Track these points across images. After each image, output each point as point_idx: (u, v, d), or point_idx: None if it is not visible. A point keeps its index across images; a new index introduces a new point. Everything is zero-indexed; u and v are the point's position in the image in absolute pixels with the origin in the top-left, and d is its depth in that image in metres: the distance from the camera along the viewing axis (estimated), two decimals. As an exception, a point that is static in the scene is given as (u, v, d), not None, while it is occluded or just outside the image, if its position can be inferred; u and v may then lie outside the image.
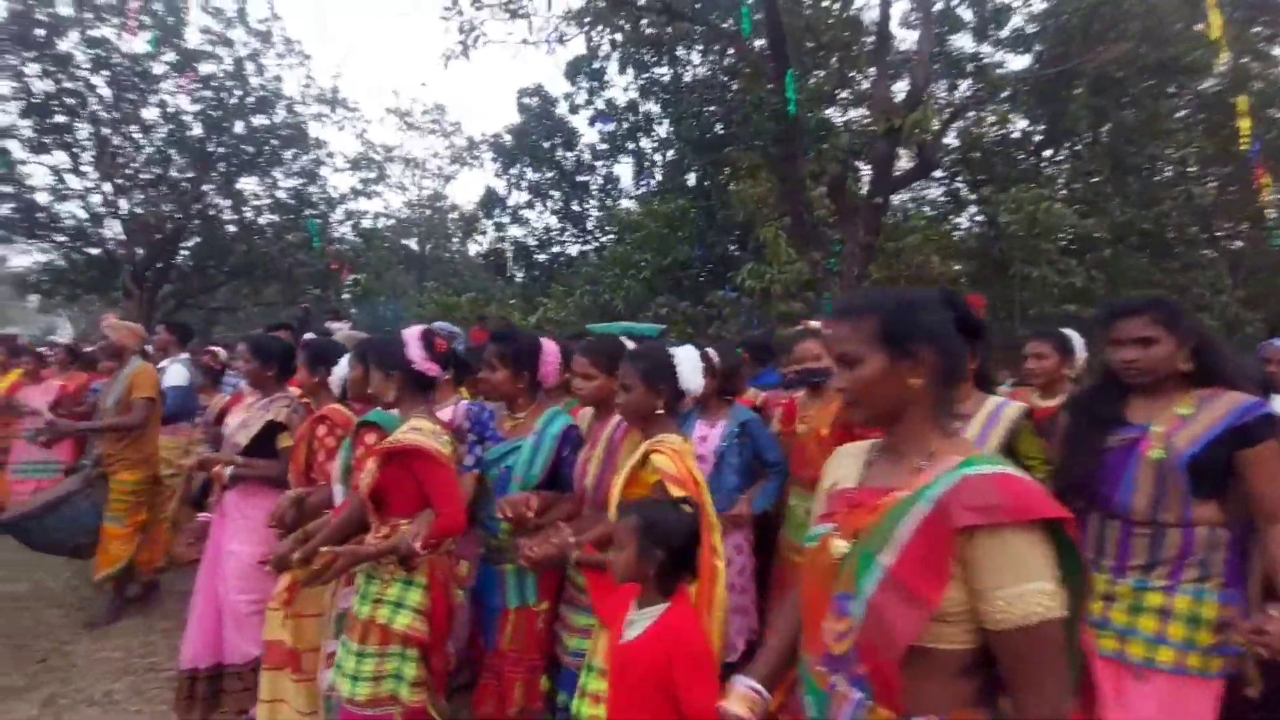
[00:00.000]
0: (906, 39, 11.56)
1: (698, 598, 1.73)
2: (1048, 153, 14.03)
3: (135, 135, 13.31)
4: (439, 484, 2.10)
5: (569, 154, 18.52)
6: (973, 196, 14.51)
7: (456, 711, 2.41)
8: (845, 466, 1.30)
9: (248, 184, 14.80)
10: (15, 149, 12.48)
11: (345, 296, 16.00)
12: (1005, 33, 13.45)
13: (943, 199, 15.03)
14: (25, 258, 14.38)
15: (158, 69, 13.03)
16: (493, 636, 2.33)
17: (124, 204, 13.44)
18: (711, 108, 15.07)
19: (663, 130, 17.78)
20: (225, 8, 13.35)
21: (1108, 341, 1.90)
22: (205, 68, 13.28)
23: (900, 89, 8.89)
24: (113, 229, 13.54)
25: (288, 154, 14.81)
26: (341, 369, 2.77)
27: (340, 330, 5.09)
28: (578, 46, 13.60)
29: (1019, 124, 12.79)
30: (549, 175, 18.64)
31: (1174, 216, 11.30)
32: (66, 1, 11.96)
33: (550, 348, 2.49)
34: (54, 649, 3.55)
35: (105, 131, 12.95)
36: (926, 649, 1.03)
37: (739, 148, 10.56)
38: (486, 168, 24.90)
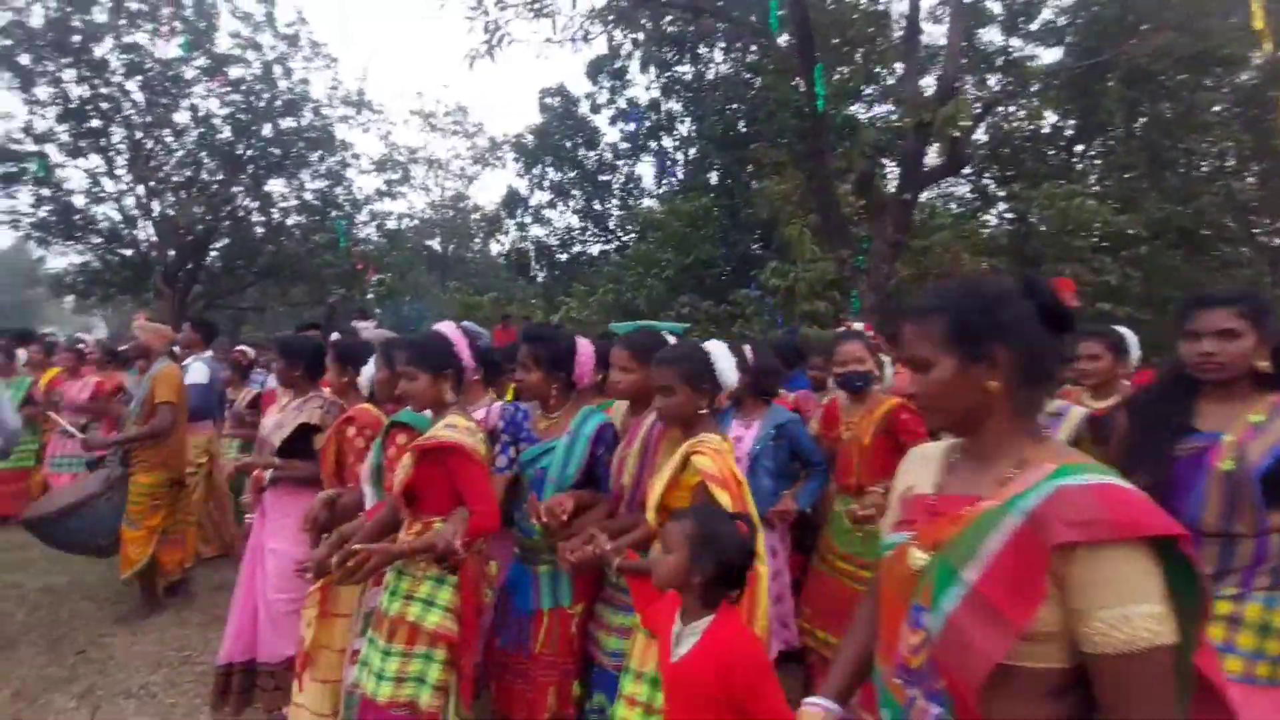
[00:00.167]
0: (932, 34, 11.40)
1: (744, 603, 1.68)
2: (1079, 148, 13.73)
3: (167, 139, 13.59)
4: (474, 482, 2.08)
5: (591, 153, 18.54)
6: (1001, 193, 14.25)
7: (476, 713, 2.39)
8: (921, 470, 1.22)
9: (275, 186, 15.06)
10: (53, 153, 12.82)
11: (369, 296, 16.18)
12: (1035, 25, 13.20)
13: (970, 196, 14.78)
14: (62, 259, 14.75)
15: (189, 73, 13.29)
16: (524, 639, 2.28)
17: (156, 206, 13.73)
18: (734, 105, 14.99)
19: (684, 129, 17.74)
20: (254, 12, 13.59)
21: (1183, 334, 1.81)
22: (234, 71, 13.52)
23: (927, 84, 8.79)
24: (145, 231, 13.84)
25: (314, 156, 15.01)
26: (369, 369, 2.76)
27: (366, 329, 5.14)
28: (599, 46, 13.61)
29: (1049, 119, 12.53)
30: (571, 175, 18.69)
31: (1212, 213, 10.98)
32: (102, 8, 12.24)
33: (585, 347, 2.45)
34: (91, 641, 3.60)
35: (139, 135, 13.24)
36: (1013, 667, 0.96)
37: (764, 145, 10.46)
38: (509, 168, 25.01)
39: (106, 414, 5.49)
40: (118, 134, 13.19)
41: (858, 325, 3.07)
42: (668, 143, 17.99)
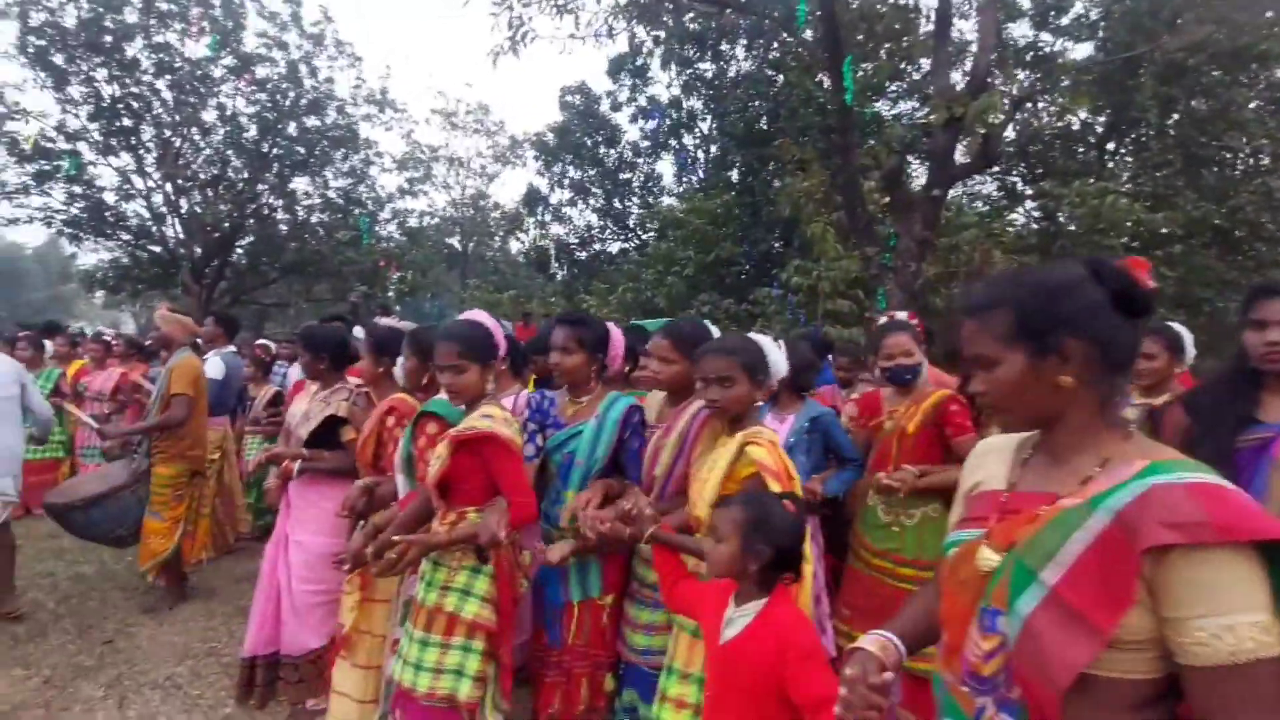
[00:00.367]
0: (959, 29, 11.20)
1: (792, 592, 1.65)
2: (1110, 145, 13.42)
3: (195, 137, 13.81)
4: (511, 473, 2.06)
5: (611, 151, 18.52)
6: (1029, 191, 13.98)
7: (517, 707, 2.37)
8: (990, 466, 1.15)
9: (300, 184, 15.24)
10: (85, 151, 13.07)
11: (390, 293, 16.31)
12: (1066, 20, 12.92)
13: (996, 194, 14.52)
14: (93, 255, 15.05)
15: (216, 72, 13.49)
16: (555, 631, 2.28)
17: (184, 204, 13.96)
18: (756, 102, 14.87)
19: (705, 126, 17.66)
20: (280, 11, 13.75)
21: (1248, 323, 1.74)
22: (261, 71, 13.69)
23: (955, 80, 8.62)
24: (173, 228, 14.07)
25: (338, 154, 15.17)
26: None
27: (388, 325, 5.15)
28: (621, 43, 13.57)
29: (1080, 115, 12.26)
30: (591, 173, 18.69)
31: (1249, 212, 10.65)
32: (133, 9, 12.46)
33: (617, 334, 2.44)
34: (119, 631, 3.64)
35: (167, 134, 13.47)
36: (1097, 677, 0.90)
37: (791, 140, 10.33)
38: (529, 166, 25.10)
39: (130, 405, 5.57)
40: (147, 132, 13.43)
41: (901, 315, 2.97)
42: (688, 141, 17.93)
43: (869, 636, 1.16)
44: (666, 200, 18.26)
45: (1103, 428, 1.03)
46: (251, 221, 14.37)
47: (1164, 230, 9.83)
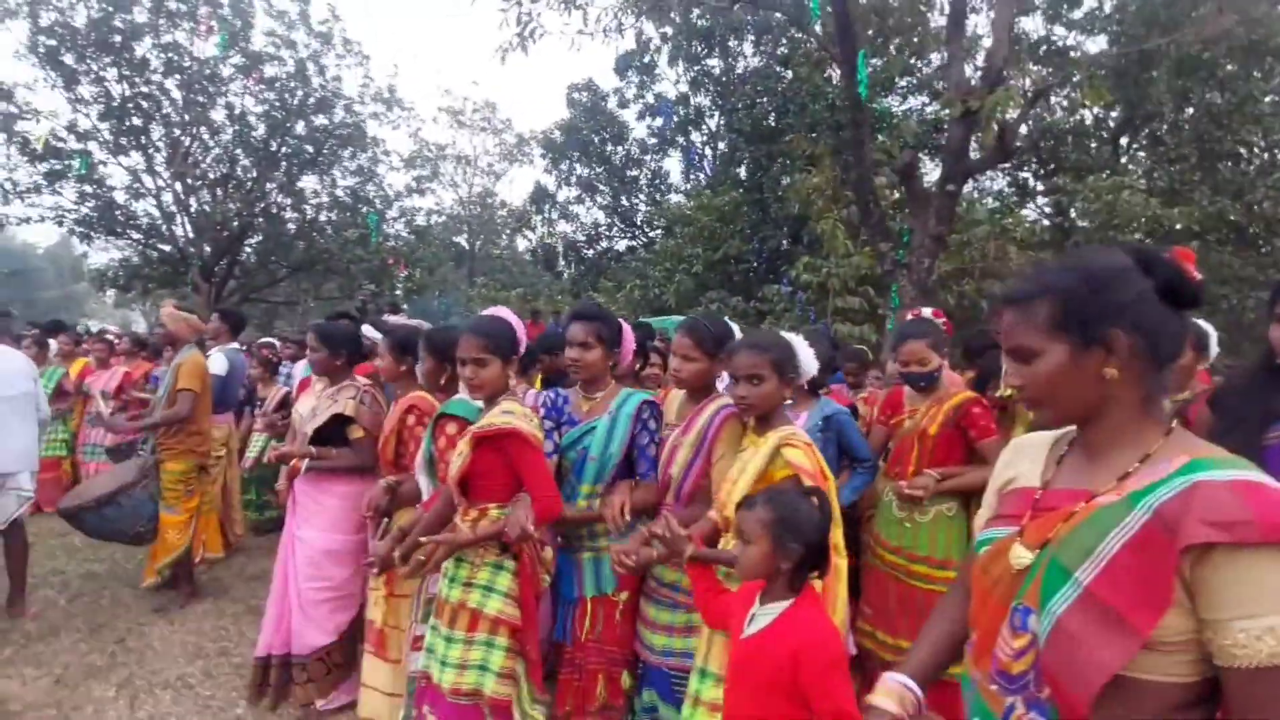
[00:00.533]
0: (970, 23, 11.09)
1: (822, 597, 1.62)
2: (1123, 140, 13.28)
3: (204, 136, 13.85)
4: (534, 468, 2.04)
5: (618, 148, 18.47)
6: (1040, 186, 13.85)
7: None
8: (1024, 462, 1.13)
9: (308, 182, 15.25)
10: (95, 151, 13.11)
11: (398, 291, 16.33)
12: (1078, 14, 12.78)
13: (1007, 190, 14.39)
14: (104, 254, 15.12)
15: (225, 71, 13.51)
16: (569, 627, 2.26)
17: (193, 203, 14.01)
18: (764, 99, 14.80)
19: (713, 123, 17.59)
20: (288, 10, 13.76)
21: (1273, 319, 1.69)
22: (269, 70, 13.70)
23: (967, 74, 8.51)
24: (183, 227, 14.12)
25: (346, 153, 15.18)
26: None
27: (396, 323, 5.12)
28: (629, 40, 13.52)
29: (1093, 110, 12.13)
30: (598, 170, 18.64)
31: (1265, 207, 10.51)
32: (143, 8, 12.49)
33: (628, 330, 2.40)
34: (130, 630, 3.62)
35: (177, 133, 13.51)
36: (1131, 679, 0.86)
37: (802, 136, 10.25)
38: (536, 164, 25.11)
39: (134, 403, 5.58)
40: (157, 132, 13.47)
41: (926, 312, 2.91)
42: (696, 137, 17.86)
43: (886, 686, 1.14)
44: (674, 198, 18.21)
45: (1145, 423, 0.99)
46: (260, 220, 14.39)
47: (1179, 226, 9.71)
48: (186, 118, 13.43)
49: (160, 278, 14.50)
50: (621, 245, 19.28)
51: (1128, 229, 9.91)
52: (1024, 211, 13.55)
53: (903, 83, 13.74)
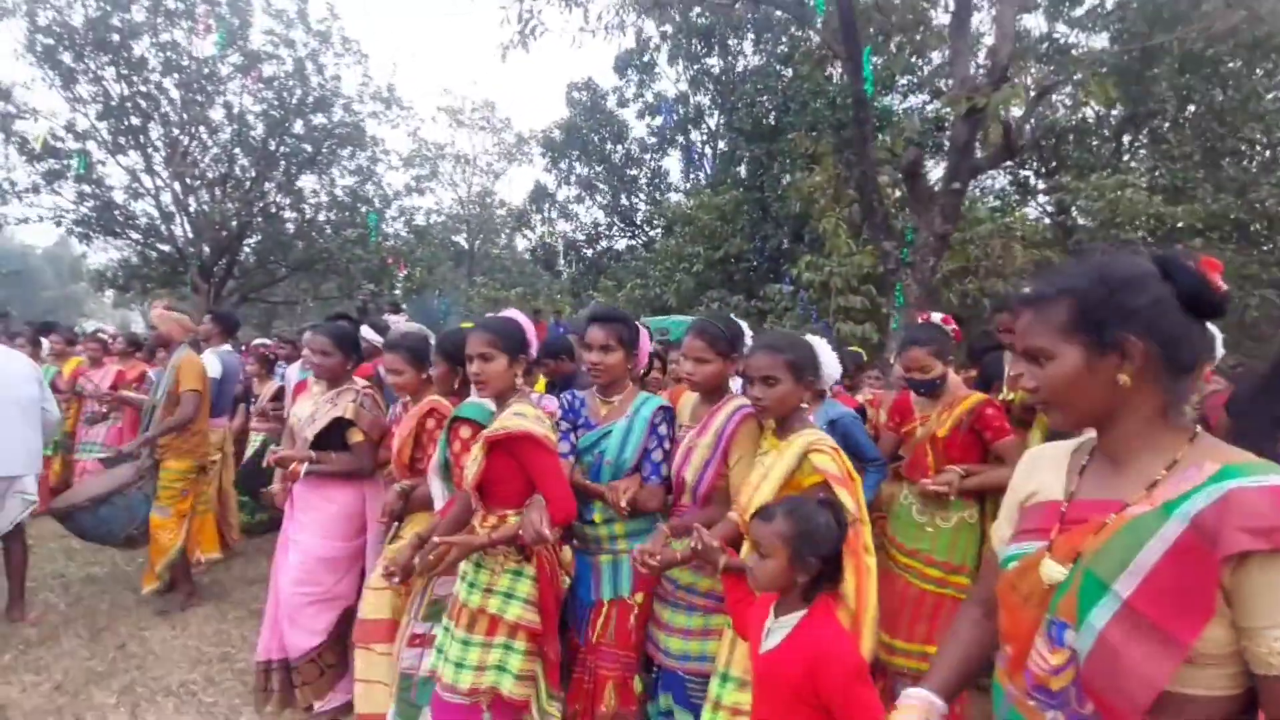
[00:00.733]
0: (973, 21, 11.04)
1: (855, 599, 1.62)
2: (1126, 138, 13.24)
3: (203, 136, 13.79)
4: (548, 470, 2.02)
5: (618, 147, 18.43)
6: (1042, 185, 13.82)
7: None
8: (1044, 475, 1.11)
9: (307, 182, 15.20)
10: (94, 150, 13.06)
11: (396, 291, 16.28)
12: (1080, 11, 12.75)
13: (1008, 188, 14.36)
14: (103, 255, 15.07)
15: (223, 70, 13.45)
16: (584, 630, 2.24)
17: (192, 202, 13.95)
18: (764, 97, 14.76)
19: (713, 122, 17.55)
20: (286, 8, 13.69)
21: None
22: (268, 69, 13.64)
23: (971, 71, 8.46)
24: (182, 227, 14.07)
25: (345, 152, 15.12)
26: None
27: (397, 323, 5.08)
28: (628, 39, 13.45)
29: (1095, 107, 12.09)
30: (598, 169, 18.60)
31: (1269, 205, 10.47)
32: (141, 7, 12.43)
33: (644, 332, 2.37)
34: (131, 635, 3.59)
35: (175, 133, 13.45)
36: (1176, 694, 0.85)
37: (804, 134, 10.20)
38: (536, 163, 25.06)
39: (128, 403, 5.52)
40: (155, 131, 13.42)
41: (937, 316, 2.88)
42: (695, 136, 17.83)
43: (910, 702, 1.12)
44: (673, 196, 18.18)
45: (1165, 430, 0.98)
46: (259, 220, 14.34)
47: (1180, 224, 9.68)
48: (185, 117, 13.37)
49: (159, 278, 14.44)
50: (621, 244, 19.26)
51: (1130, 227, 9.89)
52: (1025, 210, 13.53)
53: (903, 81, 13.71)
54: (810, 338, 2.02)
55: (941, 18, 8.75)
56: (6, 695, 2.98)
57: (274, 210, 14.74)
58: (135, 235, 14.03)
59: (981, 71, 6.41)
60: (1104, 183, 9.91)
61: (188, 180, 13.65)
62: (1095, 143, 13.16)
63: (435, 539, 2.04)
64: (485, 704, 2.01)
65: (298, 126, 14.21)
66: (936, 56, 12.64)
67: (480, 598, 2.04)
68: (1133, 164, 12.73)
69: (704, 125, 17.67)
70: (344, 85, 14.64)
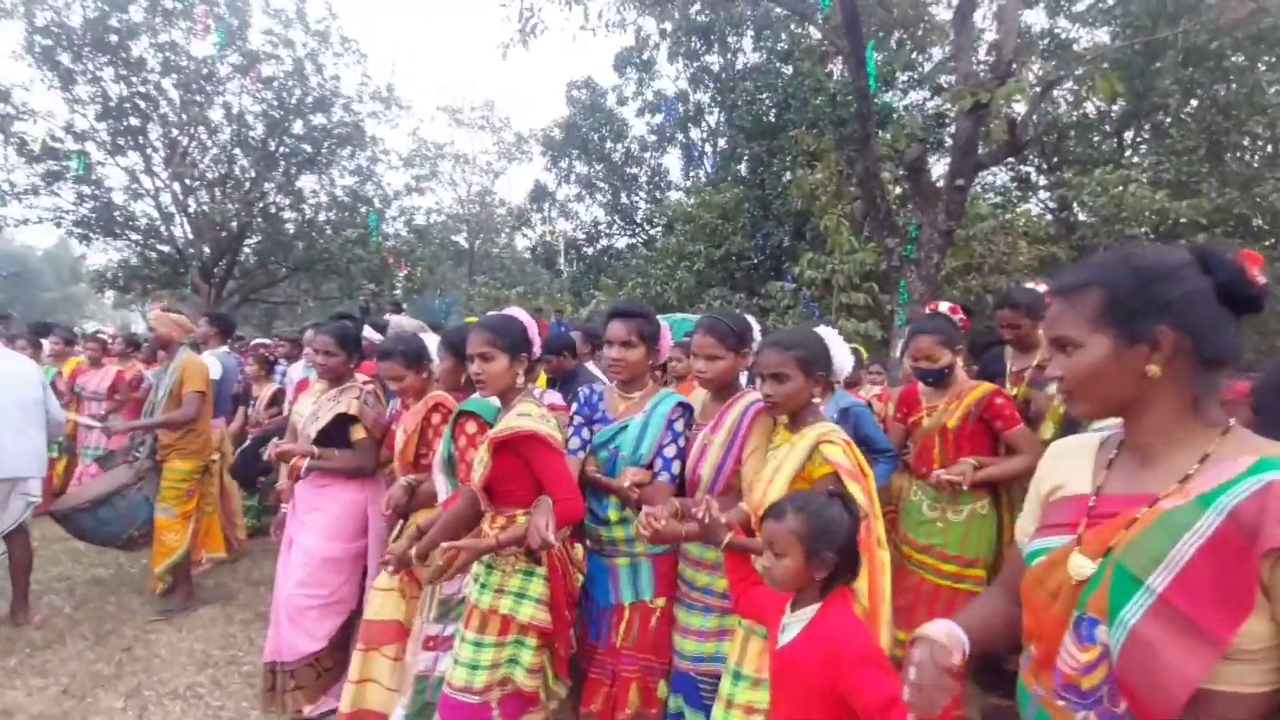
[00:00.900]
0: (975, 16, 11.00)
1: (869, 595, 1.61)
2: (1128, 133, 13.20)
3: (202, 136, 13.76)
4: (554, 470, 2.00)
5: (618, 146, 18.40)
6: (1043, 181, 13.79)
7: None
8: (1070, 468, 1.09)
9: (307, 182, 15.18)
10: (93, 151, 13.03)
11: (397, 291, 16.27)
12: (1081, 6, 12.71)
13: (1010, 184, 14.32)
14: (103, 255, 15.07)
15: (223, 70, 13.42)
16: (604, 633, 2.21)
17: (192, 203, 13.93)
18: (764, 95, 14.72)
19: (712, 120, 17.51)
20: (285, 8, 13.67)
21: None
22: (267, 69, 13.61)
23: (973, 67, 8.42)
24: (182, 227, 14.05)
25: (345, 152, 15.10)
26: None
27: (398, 321, 5.06)
28: (629, 37, 13.41)
29: (1096, 103, 12.05)
30: (598, 168, 18.57)
31: (1273, 200, 10.44)
32: (139, 7, 12.40)
33: (665, 328, 2.35)
34: (137, 637, 3.57)
35: (175, 133, 13.42)
36: (1208, 690, 0.83)
37: (805, 131, 10.18)
38: (535, 162, 25.03)
39: (127, 404, 5.51)
40: (155, 132, 13.40)
41: (944, 306, 2.86)
42: (695, 134, 17.79)
43: (932, 625, 1.11)
44: (673, 195, 18.14)
45: (1198, 423, 0.96)
46: (259, 220, 14.33)
47: (1184, 219, 9.65)
48: (184, 117, 13.35)
49: (160, 279, 14.44)
50: (621, 243, 19.23)
51: (1134, 223, 9.86)
52: (1026, 206, 13.50)
53: (903, 78, 13.67)
54: (821, 329, 2.00)
55: (943, 13, 8.74)
56: (13, 699, 2.96)
57: (274, 210, 14.72)
58: (135, 236, 14.02)
59: (983, 67, 6.39)
60: (1107, 178, 9.88)
61: (187, 181, 13.63)
62: (1097, 138, 13.13)
63: (443, 544, 2.01)
64: (495, 701, 2.00)
65: (297, 126, 14.19)
66: (937, 53, 12.62)
67: (492, 598, 2.03)
68: (1135, 159, 12.70)
69: (704, 123, 17.63)
70: (343, 85, 14.64)
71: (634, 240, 18.99)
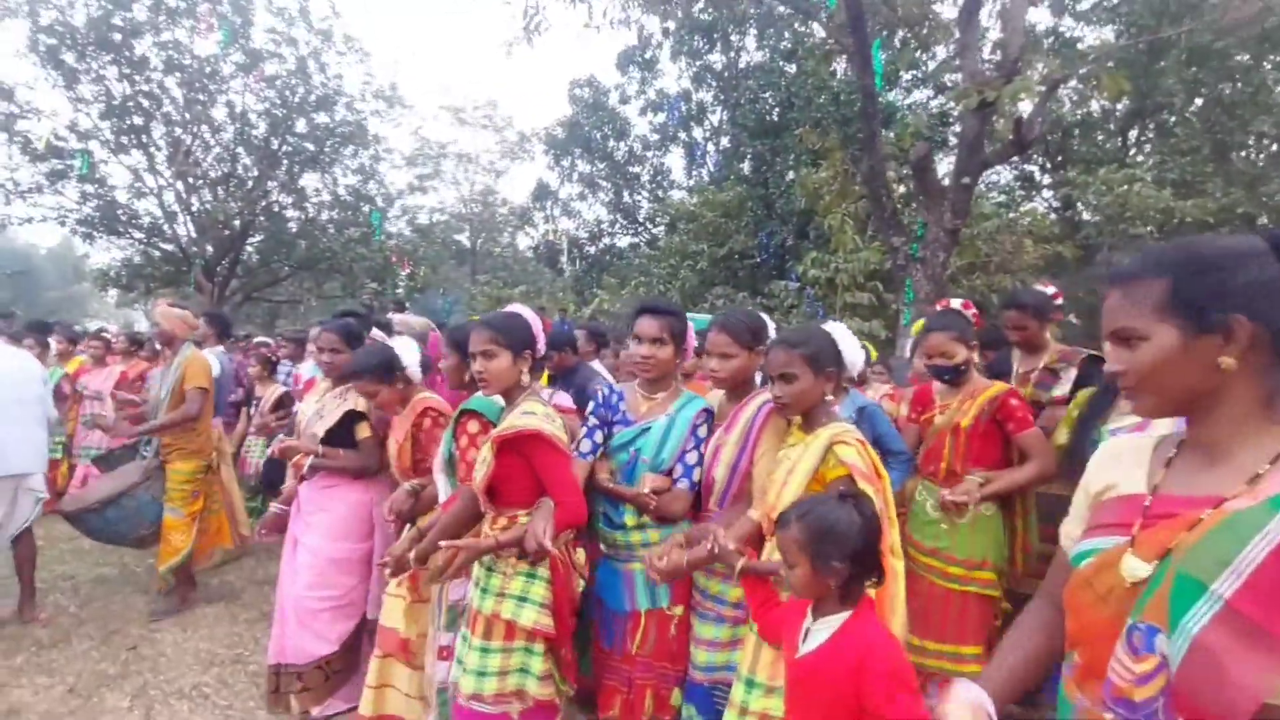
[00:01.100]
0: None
1: (881, 603, 1.57)
2: (1132, 133, 13.17)
3: (205, 135, 13.76)
4: (557, 471, 1.97)
5: (620, 145, 18.38)
6: (1047, 180, 13.75)
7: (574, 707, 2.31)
8: (1124, 467, 1.04)
9: (310, 181, 15.17)
10: (97, 150, 13.04)
11: (399, 290, 16.26)
12: (1086, 5, 12.66)
13: (1013, 183, 14.29)
14: (106, 254, 15.08)
15: (226, 69, 13.41)
16: (618, 639, 2.16)
17: (195, 202, 13.93)
18: (767, 93, 14.69)
19: (715, 119, 17.48)
20: (288, 6, 13.65)
21: None
22: (270, 67, 13.60)
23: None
24: (185, 226, 14.05)
25: (347, 151, 15.09)
26: (412, 356, 2.66)
27: (403, 320, 5.04)
28: (631, 36, 13.41)
29: (1100, 101, 12.02)
30: (600, 167, 18.55)
31: (1279, 199, 10.40)
32: (143, 6, 12.40)
33: (690, 325, 2.31)
34: (143, 636, 3.56)
35: (178, 132, 13.42)
36: (1274, 706, 0.78)
37: (811, 129, 10.15)
38: (538, 161, 25.00)
39: (131, 403, 5.49)
40: (158, 130, 13.40)
41: (956, 302, 2.83)
42: (698, 133, 17.76)
43: (961, 697, 1.05)
44: (675, 194, 18.12)
45: (1267, 421, 0.91)
46: (262, 219, 14.33)
47: (1189, 219, 9.61)
48: (187, 116, 13.35)
49: (163, 277, 14.45)
50: (624, 242, 19.22)
51: (1138, 222, 9.83)
52: (1031, 205, 13.47)
53: (906, 77, 13.65)
54: (830, 325, 1.95)
55: (948, 12, 8.71)
56: (20, 698, 2.96)
57: (277, 209, 14.73)
58: (138, 235, 14.03)
59: (988, 66, 6.37)
60: (1111, 177, 9.85)
61: (190, 179, 13.63)
62: (1101, 137, 13.09)
63: (442, 544, 1.99)
64: (515, 713, 1.96)
65: (300, 125, 14.18)
66: (940, 51, 12.59)
67: (494, 602, 1.99)
68: (1140, 158, 12.66)
69: (707, 122, 17.60)
70: (346, 84, 14.63)
71: (637, 239, 18.98)
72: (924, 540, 2.64)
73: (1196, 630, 0.81)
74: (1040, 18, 12.49)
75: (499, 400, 2.16)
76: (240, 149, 14.01)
